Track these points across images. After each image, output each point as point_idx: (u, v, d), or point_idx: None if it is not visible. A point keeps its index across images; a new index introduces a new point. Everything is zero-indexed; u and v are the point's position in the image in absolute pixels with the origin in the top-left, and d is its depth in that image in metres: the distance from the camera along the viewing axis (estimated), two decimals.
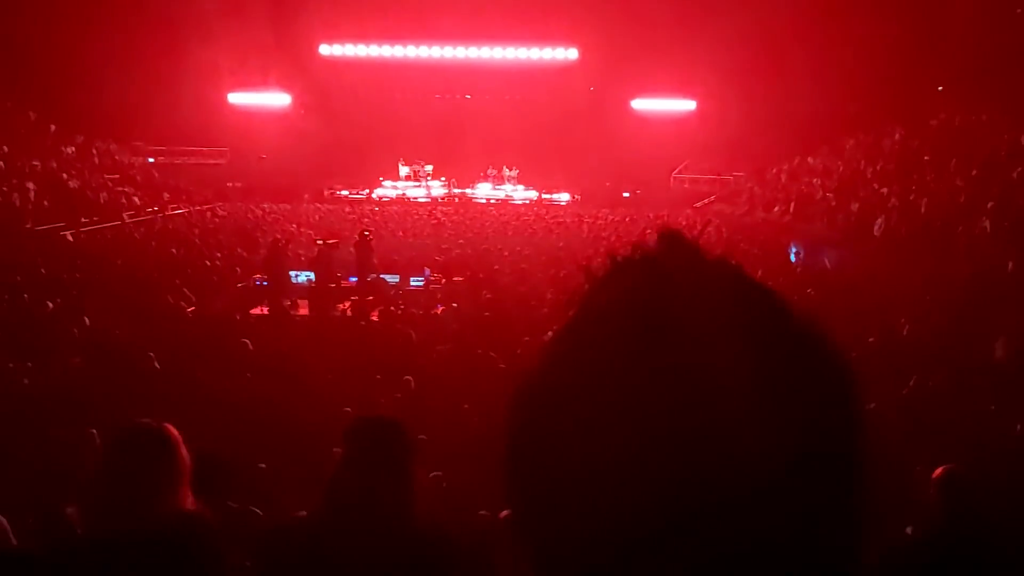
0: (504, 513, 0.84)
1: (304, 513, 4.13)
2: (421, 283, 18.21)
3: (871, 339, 10.88)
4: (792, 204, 26.56)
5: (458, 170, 40.43)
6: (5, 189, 23.28)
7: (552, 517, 0.61)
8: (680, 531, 0.56)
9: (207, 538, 2.12)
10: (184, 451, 2.48)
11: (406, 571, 2.56)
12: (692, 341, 0.59)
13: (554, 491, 0.60)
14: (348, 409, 8.22)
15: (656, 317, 0.60)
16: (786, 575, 0.57)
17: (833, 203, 23.77)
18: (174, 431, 2.50)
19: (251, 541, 3.35)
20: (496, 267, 18.55)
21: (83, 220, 23.88)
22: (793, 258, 20.51)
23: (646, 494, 0.56)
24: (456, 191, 40.77)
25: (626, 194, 39.44)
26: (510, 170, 41.11)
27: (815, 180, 28.17)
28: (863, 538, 0.60)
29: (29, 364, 9.62)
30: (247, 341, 11.03)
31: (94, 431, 6.94)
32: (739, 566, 0.56)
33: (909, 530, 4.61)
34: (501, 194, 40.66)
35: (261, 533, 3.80)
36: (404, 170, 41.39)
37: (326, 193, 39.61)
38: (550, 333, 0.67)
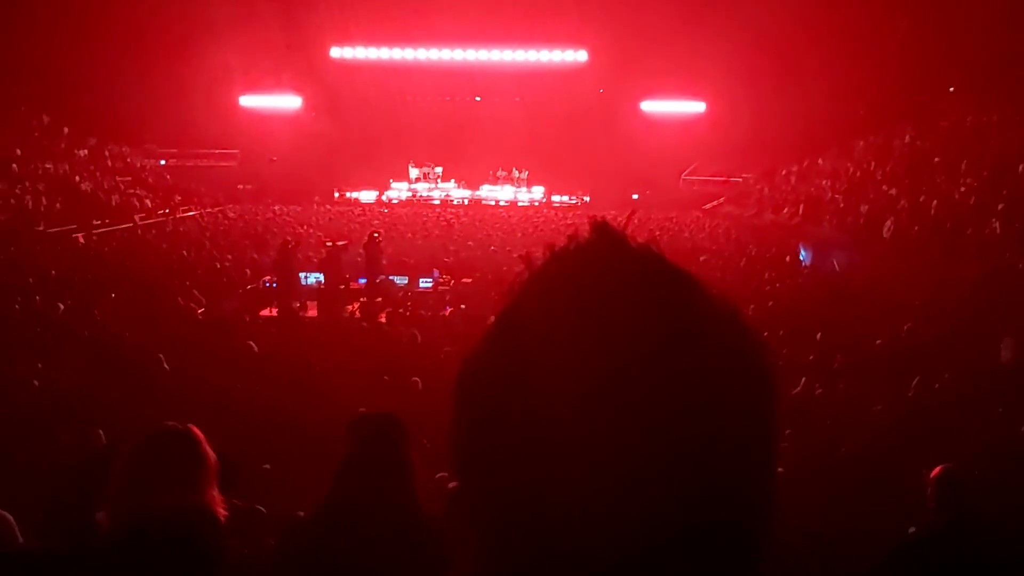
0: (451, 484, 0.87)
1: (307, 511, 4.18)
2: (430, 285, 18.25)
3: (878, 341, 10.86)
4: (801, 206, 26.50)
5: (468, 172, 40.50)
6: (18, 191, 23.45)
7: (493, 491, 0.65)
8: (611, 513, 0.60)
9: (207, 529, 2.15)
10: (210, 451, 2.51)
11: (412, 562, 2.59)
12: (614, 324, 0.63)
13: (496, 466, 0.64)
14: (362, 410, 8.26)
15: (583, 301, 0.64)
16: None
17: (842, 205, 23.70)
18: (199, 432, 2.54)
19: (257, 537, 3.38)
20: (505, 268, 18.57)
21: (95, 222, 24.02)
22: (802, 260, 20.47)
23: (575, 475, 0.60)
24: (465, 193, 40.83)
25: (635, 196, 39.40)
26: (519, 172, 41.15)
27: (824, 182, 28.09)
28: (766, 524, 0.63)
29: (39, 365, 9.69)
30: (252, 344, 11.08)
31: (100, 431, 6.99)
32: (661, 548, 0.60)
33: (912, 530, 4.61)
34: (510, 196, 40.69)
35: (270, 528, 3.84)
36: (414, 172, 41.48)
37: (336, 195, 39.72)
38: (492, 317, 0.71)
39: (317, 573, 2.69)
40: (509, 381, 0.64)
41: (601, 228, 0.71)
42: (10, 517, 3.72)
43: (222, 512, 2.42)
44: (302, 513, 4.32)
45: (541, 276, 0.69)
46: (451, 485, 0.70)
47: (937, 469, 3.78)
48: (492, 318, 0.71)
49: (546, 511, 0.61)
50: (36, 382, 9.19)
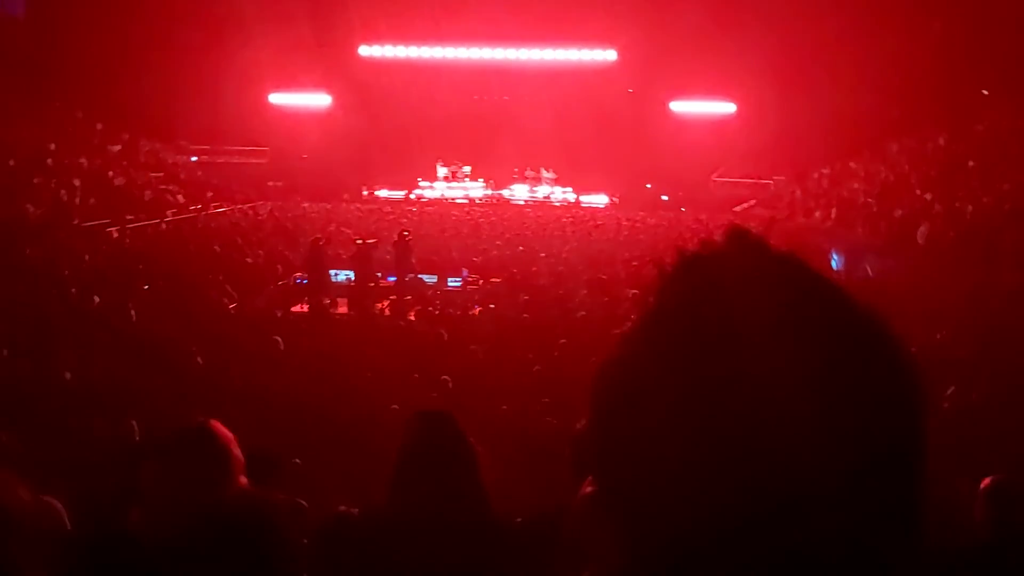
0: (588, 489, 0.87)
1: (356, 508, 4.19)
2: (459, 284, 18.29)
3: (912, 349, 10.72)
4: (833, 209, 26.27)
5: (496, 171, 40.52)
6: (53, 185, 23.73)
7: (636, 497, 0.65)
8: (750, 523, 0.59)
9: (272, 517, 2.16)
10: (237, 447, 2.53)
11: (484, 560, 2.58)
12: (757, 341, 0.62)
13: (636, 473, 0.65)
14: (395, 407, 8.30)
15: (723, 316, 0.64)
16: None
17: (875, 209, 23.47)
18: (225, 429, 2.55)
19: (303, 532, 3.39)
20: (534, 269, 18.57)
21: (128, 217, 24.27)
22: (834, 265, 20.29)
23: (715, 487, 0.59)
24: (494, 192, 40.86)
25: (665, 197, 39.26)
26: (548, 172, 41.12)
27: (857, 185, 27.84)
28: (921, 540, 0.62)
29: (75, 357, 9.81)
30: (279, 339, 11.15)
31: (134, 423, 7.07)
32: (803, 564, 0.59)
33: (958, 544, 4.55)
34: (539, 196, 40.68)
35: (325, 525, 3.85)
36: (442, 171, 41.57)
37: (364, 193, 39.89)
38: (628, 323, 0.72)
39: (383, 572, 2.68)
40: (652, 386, 0.64)
41: (740, 235, 0.70)
42: (59, 505, 3.77)
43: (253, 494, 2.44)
44: (343, 508, 4.33)
45: (680, 284, 0.68)
46: (587, 490, 0.70)
47: (987, 481, 3.71)
48: (627, 324, 0.70)
49: (691, 516, 0.61)
50: (69, 375, 9.30)
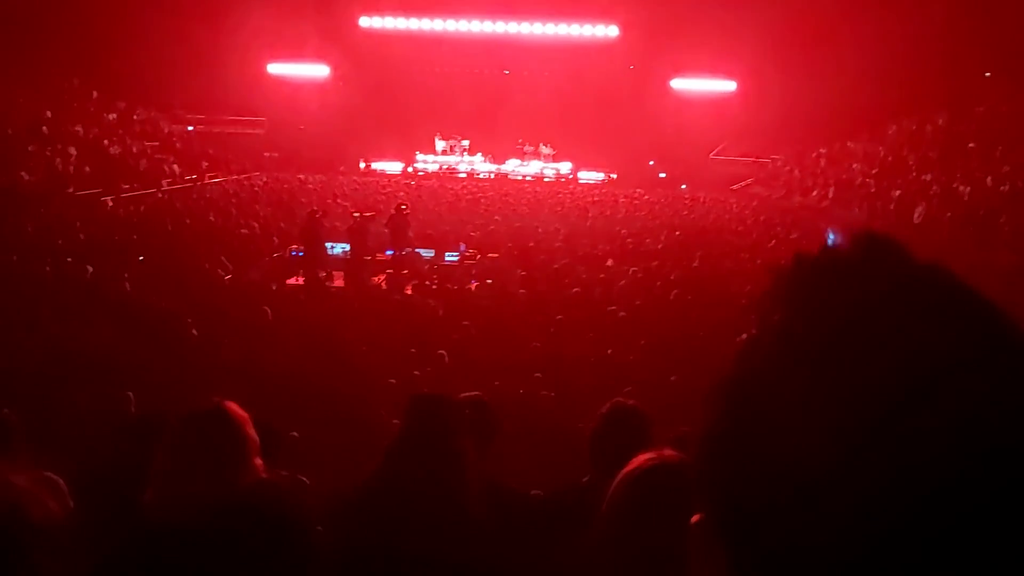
0: (695, 518, 0.84)
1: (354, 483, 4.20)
2: (456, 258, 18.24)
3: None
4: (831, 189, 26.24)
5: (495, 146, 40.39)
6: (48, 153, 23.61)
7: (754, 525, 0.61)
8: (881, 552, 0.55)
9: (289, 502, 2.15)
10: (252, 429, 2.52)
11: (453, 550, 2.59)
12: (898, 362, 0.57)
13: (756, 499, 0.60)
14: (392, 381, 8.30)
15: (864, 333, 0.59)
16: None
17: (873, 189, 23.45)
18: (239, 409, 2.54)
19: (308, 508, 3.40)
20: (531, 244, 18.54)
21: (123, 186, 24.17)
22: (830, 244, 20.27)
23: (848, 515, 0.56)
24: (492, 167, 40.75)
25: (663, 175, 39.19)
26: (547, 147, 40.99)
27: (855, 165, 27.79)
28: None
29: (69, 328, 9.79)
30: (267, 309, 11.12)
31: (131, 394, 7.05)
32: None
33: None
34: (537, 171, 40.58)
35: (320, 501, 3.88)
36: (441, 144, 41.41)
37: (362, 165, 39.75)
38: (744, 336, 0.67)
39: (358, 552, 2.70)
40: (786, 407, 0.60)
41: (878, 241, 0.65)
42: (61, 481, 3.75)
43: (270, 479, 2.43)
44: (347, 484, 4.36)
45: (812, 295, 0.63)
46: (694, 519, 0.66)
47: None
48: (743, 336, 0.66)
49: (832, 544, 0.56)
50: (64, 345, 9.28)
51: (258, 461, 2.50)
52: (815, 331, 0.61)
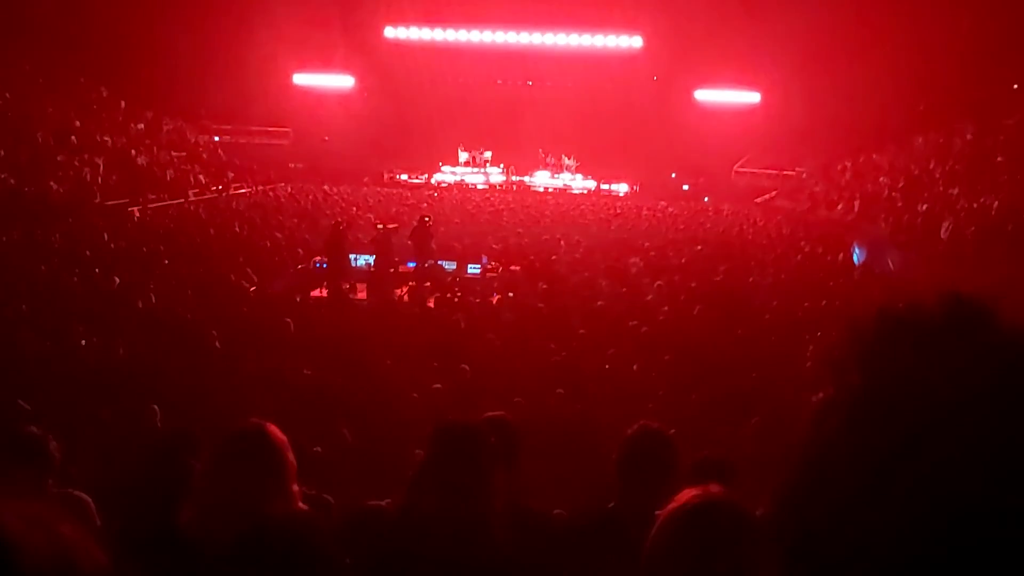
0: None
1: (375, 503, 4.22)
2: (478, 271, 18.24)
3: None
4: (856, 202, 26.03)
5: (517, 157, 40.42)
6: (77, 163, 23.87)
7: None
8: None
9: (316, 538, 2.15)
10: (291, 452, 2.53)
11: (483, 572, 2.58)
12: (982, 429, 0.57)
13: (832, 558, 0.60)
14: (415, 395, 8.30)
15: (943, 399, 0.59)
16: None
17: (899, 203, 23.24)
18: (280, 433, 2.54)
19: (330, 531, 3.41)
20: (553, 257, 18.52)
21: (150, 197, 24.39)
22: (856, 258, 20.12)
23: None
24: (514, 178, 40.78)
25: (686, 187, 39.06)
26: (569, 159, 40.98)
27: (881, 178, 27.56)
28: None
29: (95, 339, 9.87)
30: (289, 321, 11.15)
31: (156, 407, 7.10)
32: None
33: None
34: (559, 183, 40.56)
35: (342, 527, 3.89)
36: (463, 156, 41.51)
37: (385, 176, 39.90)
38: (821, 394, 0.66)
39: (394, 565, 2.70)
40: (864, 469, 0.60)
41: (956, 301, 0.64)
42: (88, 499, 3.77)
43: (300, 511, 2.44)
44: (371, 503, 4.36)
45: (891, 357, 0.62)
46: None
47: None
48: (819, 395, 0.66)
49: None
50: (92, 355, 9.35)
51: (295, 487, 2.50)
52: (896, 396, 0.60)
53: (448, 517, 2.61)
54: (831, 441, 0.63)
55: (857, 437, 0.61)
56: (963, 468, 0.56)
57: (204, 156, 34.57)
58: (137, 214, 22.27)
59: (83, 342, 9.49)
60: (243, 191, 31.48)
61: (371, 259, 17.71)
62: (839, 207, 27.23)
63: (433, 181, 40.31)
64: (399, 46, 44.19)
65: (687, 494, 1.96)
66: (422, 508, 2.69)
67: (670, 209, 31.79)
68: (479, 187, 39.33)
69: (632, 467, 3.20)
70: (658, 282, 15.00)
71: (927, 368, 0.60)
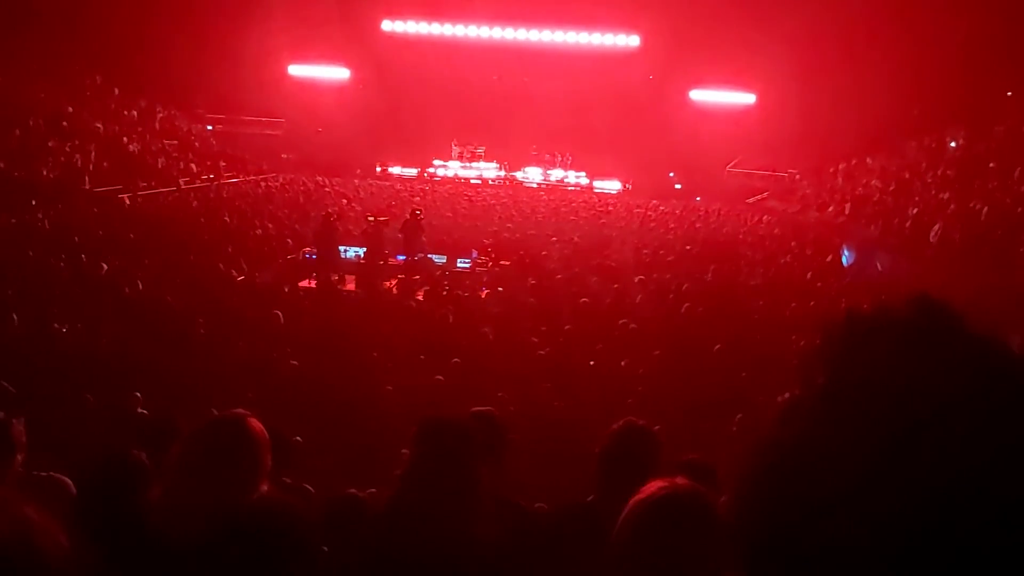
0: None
1: (356, 492, 4.22)
2: (468, 265, 18.25)
3: None
4: (847, 205, 26.10)
5: (511, 153, 40.40)
6: (68, 149, 23.77)
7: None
8: None
9: (295, 525, 2.14)
10: (268, 452, 2.49)
11: (470, 566, 2.59)
12: (953, 428, 0.58)
13: (791, 554, 0.61)
14: (389, 388, 8.28)
15: (912, 397, 0.59)
16: None
17: (890, 206, 23.32)
18: (262, 429, 2.51)
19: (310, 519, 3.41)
20: (544, 253, 18.52)
21: (141, 184, 24.30)
22: (844, 261, 20.18)
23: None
24: (507, 174, 40.77)
25: (678, 186, 39.12)
26: (563, 156, 40.99)
27: (873, 182, 27.64)
28: None
29: (80, 324, 9.83)
30: (279, 313, 11.13)
31: (138, 394, 7.08)
32: None
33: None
34: (552, 179, 40.57)
35: (323, 516, 3.89)
36: (456, 151, 41.47)
37: (378, 169, 39.84)
38: (788, 394, 0.67)
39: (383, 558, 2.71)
40: (832, 468, 0.61)
41: (924, 303, 0.65)
42: (68, 481, 3.75)
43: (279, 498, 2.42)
44: (354, 491, 4.36)
45: (859, 356, 0.63)
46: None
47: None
48: (787, 395, 0.66)
49: None
50: (76, 341, 9.32)
51: (264, 486, 2.47)
52: (859, 400, 0.61)
53: (434, 511, 2.62)
54: (794, 441, 0.63)
55: (820, 438, 0.61)
56: (925, 467, 0.57)
57: (196, 145, 34.46)
58: (127, 201, 22.18)
59: (64, 328, 9.43)
60: (235, 180, 31.39)
61: (361, 251, 17.69)
62: (830, 209, 27.29)
63: (426, 175, 40.27)
64: (396, 39, 44.10)
65: (653, 485, 1.96)
66: (409, 502, 2.70)
67: (662, 208, 31.81)
68: (471, 182, 39.29)
69: (613, 462, 3.22)
70: (639, 277, 15.02)
71: (893, 369, 0.61)
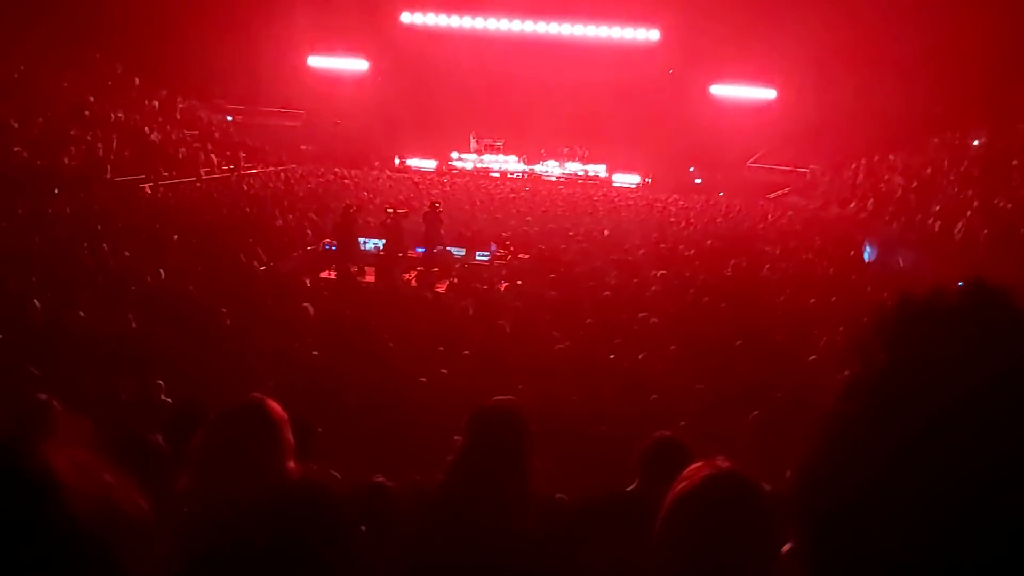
0: (786, 548, 0.84)
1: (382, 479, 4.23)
2: (487, 258, 18.25)
3: None
4: (870, 201, 25.93)
5: (529, 146, 40.35)
6: (89, 138, 23.91)
7: (846, 553, 0.62)
8: None
9: (331, 500, 2.15)
10: (289, 431, 2.53)
11: (509, 560, 2.60)
12: (1003, 412, 0.58)
13: (850, 527, 0.61)
14: (423, 380, 8.30)
15: (965, 382, 0.60)
16: None
17: (913, 203, 23.15)
18: (280, 409, 2.55)
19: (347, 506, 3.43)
20: (562, 246, 18.50)
21: (162, 174, 24.43)
22: (867, 257, 20.06)
23: (947, 552, 0.57)
24: (526, 167, 40.73)
25: (698, 180, 38.98)
26: (582, 149, 40.90)
27: (895, 178, 27.44)
28: None
29: (103, 312, 9.89)
30: (308, 306, 11.17)
31: (160, 382, 7.12)
32: None
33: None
34: (571, 172, 40.50)
35: (363, 494, 3.92)
36: (475, 144, 41.46)
37: (397, 162, 39.89)
38: (846, 373, 0.68)
39: (423, 565, 2.73)
40: (885, 446, 0.61)
41: (981, 289, 0.65)
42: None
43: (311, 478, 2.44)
44: (380, 478, 4.38)
45: (914, 339, 0.64)
46: (785, 549, 0.67)
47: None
48: (846, 373, 0.67)
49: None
50: (100, 329, 9.38)
51: (291, 464, 2.50)
52: (921, 374, 0.62)
53: (484, 500, 2.64)
54: (856, 416, 0.64)
55: (882, 412, 0.62)
56: (985, 445, 0.57)
57: (216, 135, 34.58)
58: (148, 190, 22.31)
59: (82, 314, 9.49)
60: (254, 171, 31.51)
61: (380, 243, 17.73)
62: (852, 205, 27.12)
63: (445, 168, 40.30)
64: (415, 31, 44.12)
65: (696, 468, 1.95)
66: (460, 489, 2.71)
67: (682, 202, 31.71)
68: (491, 175, 39.27)
69: (654, 457, 3.23)
70: (661, 272, 14.98)
71: (949, 348, 0.62)
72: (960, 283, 0.67)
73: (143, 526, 0.89)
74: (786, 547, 0.68)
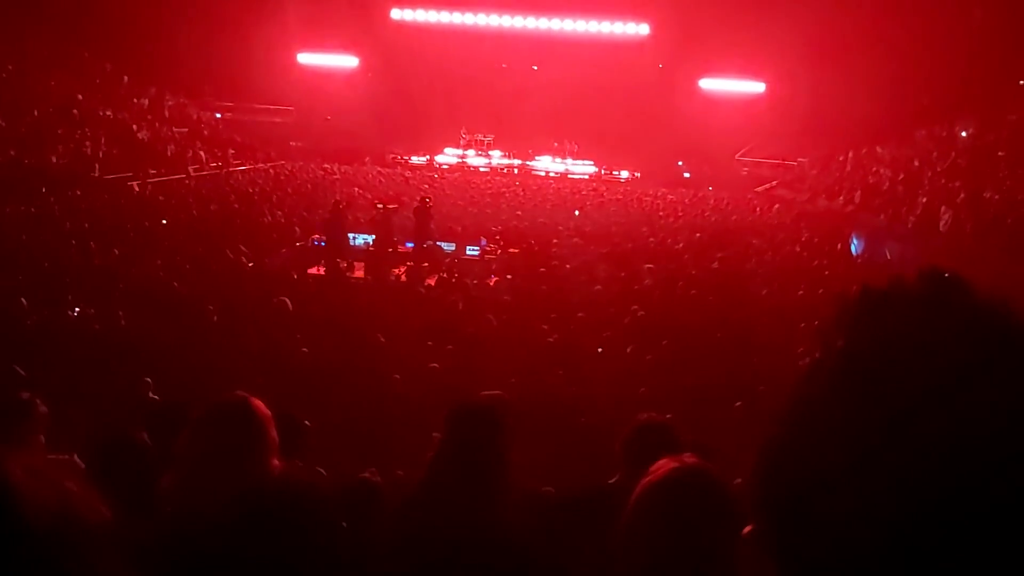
0: (747, 529, 0.84)
1: (368, 475, 4.25)
2: (477, 253, 18.26)
3: None
4: (857, 193, 26.01)
5: (519, 142, 40.30)
6: (78, 136, 23.83)
7: (805, 535, 0.64)
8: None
9: (313, 497, 2.17)
10: (273, 429, 2.56)
11: (489, 554, 2.63)
12: (962, 396, 0.60)
13: (809, 509, 0.63)
14: (397, 376, 8.31)
15: (922, 366, 0.62)
16: None
17: (900, 194, 23.23)
18: (263, 407, 2.57)
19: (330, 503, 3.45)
20: (553, 241, 18.52)
21: (151, 171, 24.36)
22: (854, 249, 20.14)
23: (907, 536, 0.59)
24: (516, 162, 40.68)
25: (687, 174, 39.02)
26: (571, 144, 40.86)
27: (883, 170, 27.52)
28: None
29: (91, 310, 9.88)
30: (287, 300, 11.11)
31: (148, 379, 7.12)
32: None
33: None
34: (561, 168, 40.46)
35: (350, 489, 3.94)
36: (465, 139, 41.38)
37: (388, 157, 39.81)
38: (808, 359, 0.70)
39: (404, 560, 2.76)
40: (842, 431, 0.63)
41: (938, 277, 0.67)
42: (79, 462, 3.79)
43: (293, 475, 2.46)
44: (368, 475, 4.40)
45: (873, 326, 0.66)
46: (746, 530, 0.69)
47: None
48: (807, 360, 0.69)
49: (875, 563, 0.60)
50: (87, 326, 9.37)
51: (275, 462, 2.52)
52: (876, 359, 0.64)
53: (464, 495, 2.67)
54: (817, 399, 0.66)
55: (841, 395, 0.64)
56: (940, 427, 0.59)
57: (205, 132, 34.48)
58: (137, 188, 22.24)
59: (74, 311, 9.48)
60: (243, 168, 31.43)
61: (370, 238, 17.72)
62: (840, 198, 27.21)
63: (435, 163, 40.22)
64: (405, 27, 44.01)
65: (663, 464, 1.98)
66: (439, 485, 2.75)
67: (670, 197, 31.75)
68: (480, 170, 39.22)
69: (637, 446, 3.25)
70: (648, 265, 15.00)
71: (905, 333, 0.64)
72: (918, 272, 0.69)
73: (103, 533, 0.88)
74: (746, 529, 0.70)
